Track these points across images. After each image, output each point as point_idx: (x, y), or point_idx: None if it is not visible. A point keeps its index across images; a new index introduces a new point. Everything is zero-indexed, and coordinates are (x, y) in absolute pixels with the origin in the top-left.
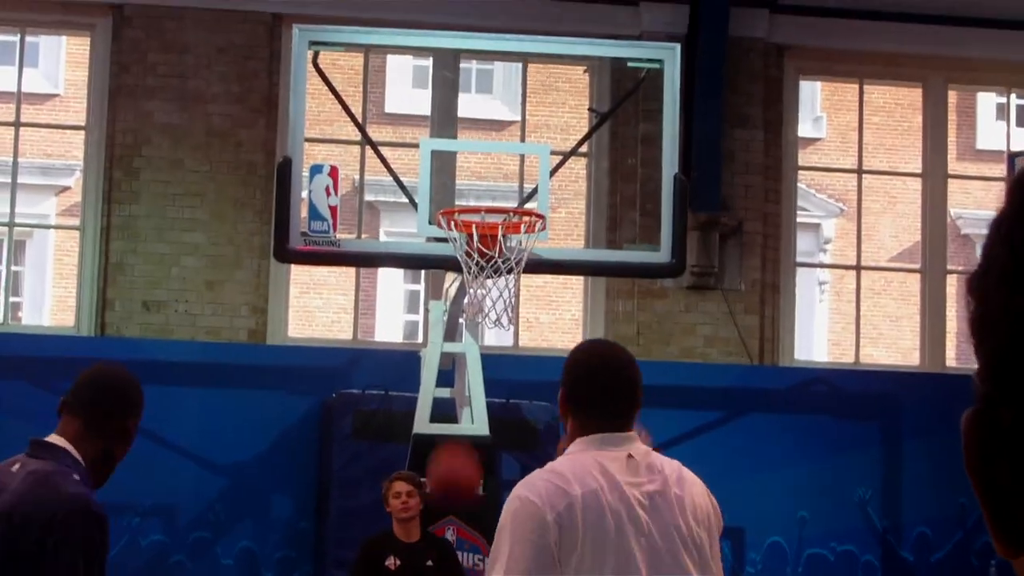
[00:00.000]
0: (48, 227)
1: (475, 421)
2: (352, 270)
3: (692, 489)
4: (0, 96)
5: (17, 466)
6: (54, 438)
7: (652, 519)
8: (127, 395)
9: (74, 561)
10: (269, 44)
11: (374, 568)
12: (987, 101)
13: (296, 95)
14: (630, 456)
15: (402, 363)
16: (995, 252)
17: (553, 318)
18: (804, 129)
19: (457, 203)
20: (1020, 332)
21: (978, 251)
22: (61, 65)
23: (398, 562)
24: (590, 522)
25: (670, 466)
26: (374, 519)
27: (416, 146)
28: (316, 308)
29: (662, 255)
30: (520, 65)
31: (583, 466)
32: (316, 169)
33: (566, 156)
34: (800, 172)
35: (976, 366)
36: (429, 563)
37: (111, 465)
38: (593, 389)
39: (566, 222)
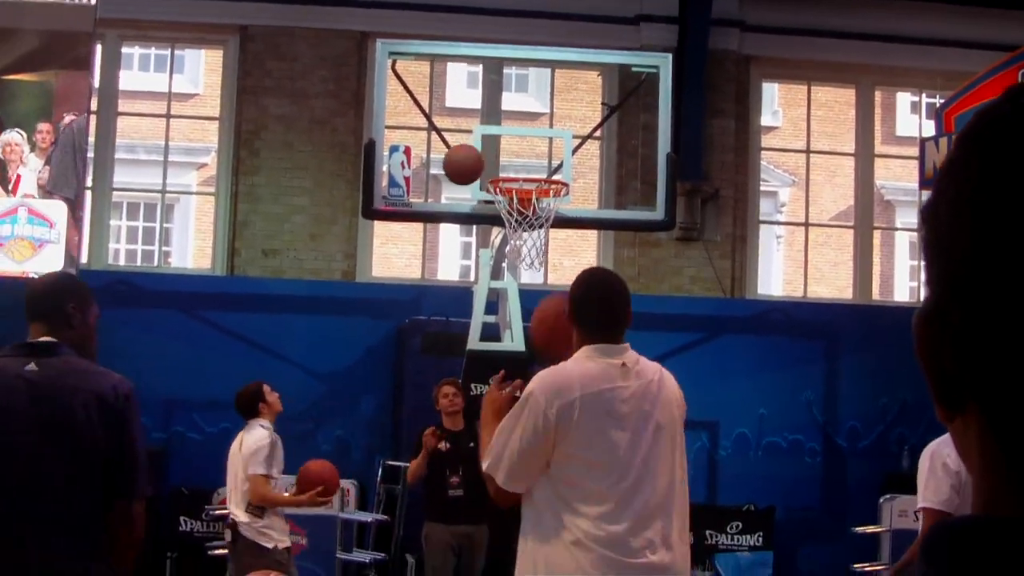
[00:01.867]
0: (191, 193)
1: (514, 340)
2: (421, 225)
3: (668, 385)
4: (155, 95)
5: (32, 365)
6: (44, 338)
7: (636, 414)
8: (65, 291)
9: (139, 428)
10: (358, 54)
11: (429, 448)
12: (904, 99)
13: (378, 92)
14: (623, 364)
15: (459, 296)
16: (945, 189)
17: (574, 262)
18: (765, 119)
19: (501, 175)
20: (967, 252)
21: (897, 214)
22: (201, 71)
23: (448, 445)
24: (586, 415)
25: (653, 369)
26: (437, 415)
27: (470, 132)
28: (393, 255)
29: (657, 214)
30: (549, 70)
31: (587, 370)
32: (394, 149)
33: (584, 139)
34: (762, 152)
35: (925, 279)
36: (472, 445)
37: (85, 349)
38: (593, 306)
39: (584, 189)
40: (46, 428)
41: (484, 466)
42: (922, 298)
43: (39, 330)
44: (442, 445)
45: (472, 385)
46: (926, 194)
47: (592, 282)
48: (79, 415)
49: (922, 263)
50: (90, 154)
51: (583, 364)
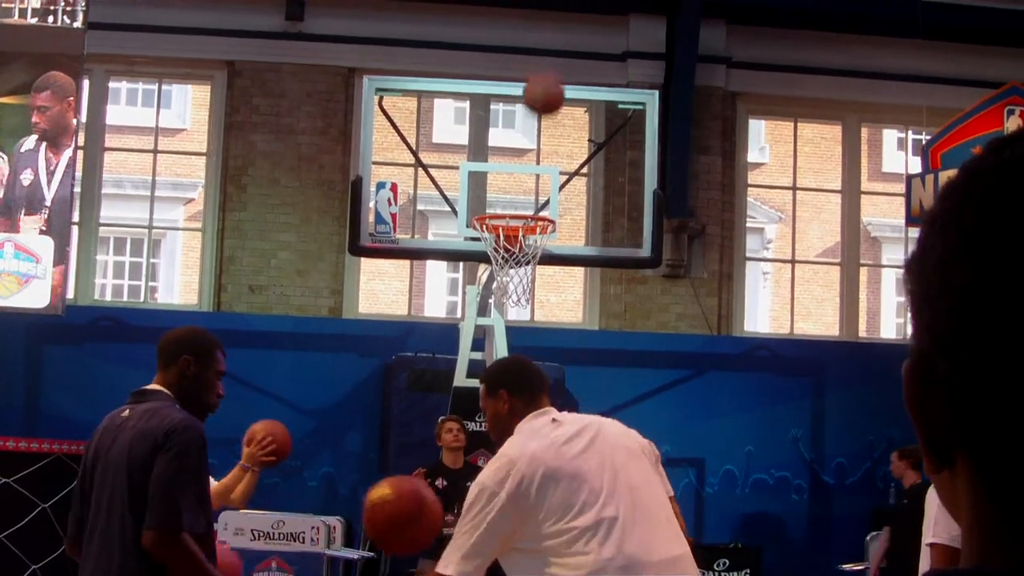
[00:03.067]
0: (177, 229)
1: None
2: (407, 262)
3: (610, 425)
4: (142, 130)
5: (127, 411)
6: (151, 385)
7: (578, 448)
8: (181, 342)
9: (179, 463)
10: (345, 90)
11: (428, 485)
12: (890, 136)
13: (365, 129)
14: (554, 420)
15: (445, 333)
16: (931, 242)
17: (560, 299)
18: (752, 156)
19: (488, 211)
20: (955, 304)
21: (883, 251)
22: (188, 106)
23: (445, 483)
24: (536, 474)
25: (587, 417)
26: (424, 451)
27: (457, 168)
28: (380, 291)
29: (644, 251)
30: None
31: (523, 441)
32: (380, 185)
33: (571, 176)
34: (749, 188)
35: (912, 331)
36: (468, 484)
37: (194, 400)
38: (522, 383)
39: (571, 226)
40: (116, 467)
41: (441, 569)
42: (909, 349)
43: (156, 378)
44: (439, 483)
45: (465, 422)
46: (913, 231)
47: (517, 367)
48: (132, 454)
49: (908, 315)
50: (76, 189)
51: (518, 440)
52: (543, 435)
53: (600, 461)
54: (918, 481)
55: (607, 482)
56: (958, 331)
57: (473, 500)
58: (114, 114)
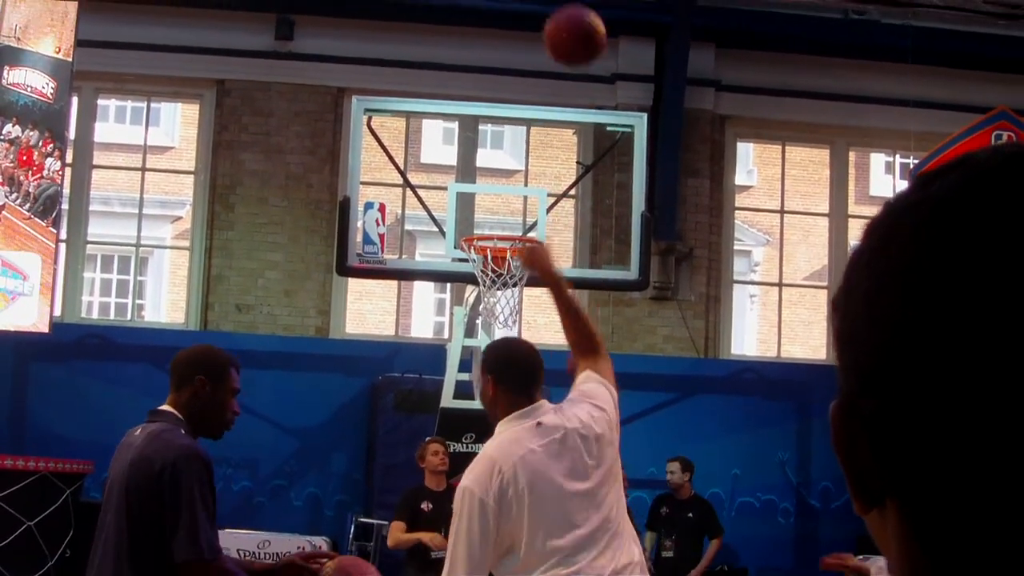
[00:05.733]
0: (165, 247)
1: None
2: (395, 282)
3: (587, 416)
4: (130, 148)
5: (139, 431)
6: (163, 406)
7: (561, 462)
8: (195, 362)
9: (190, 492)
10: (334, 110)
11: (413, 509)
12: (878, 159)
13: (354, 149)
14: (539, 423)
15: (432, 354)
16: (857, 278)
17: (547, 320)
18: (740, 179)
19: (476, 232)
20: (881, 341)
21: None
22: (177, 124)
23: (430, 506)
24: (518, 482)
25: (566, 414)
26: (409, 473)
27: (445, 189)
28: (367, 311)
29: (631, 273)
30: (525, 127)
31: (506, 445)
32: (368, 206)
33: (559, 198)
34: (736, 211)
35: (838, 370)
36: (452, 507)
37: (209, 419)
38: (510, 375)
39: (558, 247)
40: (116, 489)
41: None
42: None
43: (168, 398)
44: (424, 506)
45: (448, 443)
46: None
47: (506, 351)
48: (131, 475)
49: (834, 353)
50: (64, 206)
51: (502, 440)
52: (524, 442)
53: (570, 468)
54: None
55: (577, 497)
56: (883, 369)
57: (461, 505)
58: (103, 131)
